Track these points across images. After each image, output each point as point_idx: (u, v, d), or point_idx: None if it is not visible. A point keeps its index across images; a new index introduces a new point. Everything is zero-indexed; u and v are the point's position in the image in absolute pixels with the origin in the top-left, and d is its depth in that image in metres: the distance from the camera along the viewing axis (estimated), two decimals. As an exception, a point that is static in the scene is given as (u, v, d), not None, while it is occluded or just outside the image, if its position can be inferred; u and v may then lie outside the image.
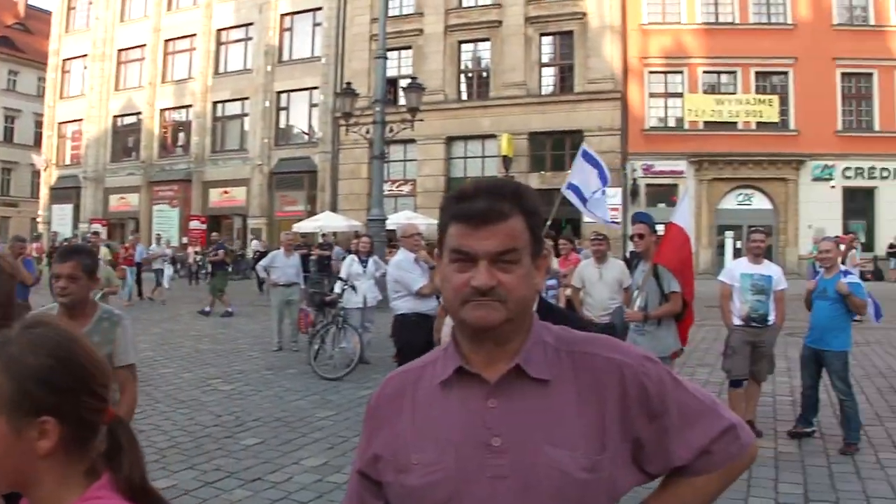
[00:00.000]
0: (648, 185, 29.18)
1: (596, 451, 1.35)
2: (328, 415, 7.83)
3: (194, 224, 34.22)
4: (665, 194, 28.60)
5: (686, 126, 29.37)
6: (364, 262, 10.94)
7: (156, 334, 13.95)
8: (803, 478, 5.86)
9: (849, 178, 28.72)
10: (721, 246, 29.04)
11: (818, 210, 27.66)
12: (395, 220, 27.62)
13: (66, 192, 40.71)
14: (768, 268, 7.14)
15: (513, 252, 1.35)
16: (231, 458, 6.25)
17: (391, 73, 28.76)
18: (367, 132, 19.46)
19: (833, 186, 28.63)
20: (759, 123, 29.03)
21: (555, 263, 8.72)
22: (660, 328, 6.18)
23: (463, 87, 31.57)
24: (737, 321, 7.03)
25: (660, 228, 6.84)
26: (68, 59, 41.93)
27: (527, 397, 1.37)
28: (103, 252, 16.70)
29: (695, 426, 1.42)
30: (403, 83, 31.49)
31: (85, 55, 40.42)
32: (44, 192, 42.61)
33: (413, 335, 7.05)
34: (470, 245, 1.34)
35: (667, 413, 1.40)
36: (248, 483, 5.60)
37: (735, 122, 29.12)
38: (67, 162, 41.95)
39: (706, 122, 29.13)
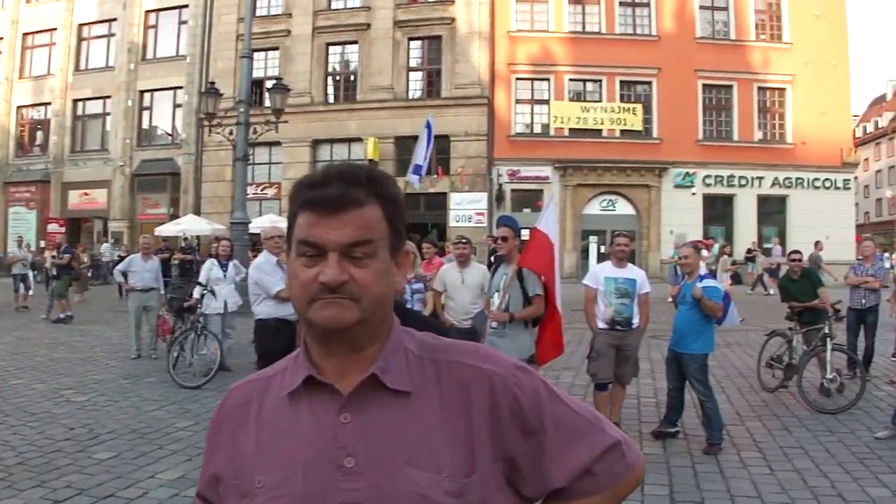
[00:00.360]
0: (514, 191, 29.37)
1: (463, 472, 1.20)
2: (187, 425, 7.46)
3: (52, 227, 32.50)
4: (530, 199, 28.81)
5: (552, 132, 29.73)
6: (224, 267, 10.70)
7: (7, 343, 13.20)
8: (668, 478, 5.89)
9: (709, 185, 29.70)
10: (585, 250, 29.50)
11: (680, 216, 28.40)
12: (258, 224, 26.88)
13: (-86, 193, 38.00)
14: (632, 271, 7.17)
15: (368, 244, 1.20)
16: (83, 473, 5.88)
17: (257, 74, 28.19)
18: (231, 133, 18.71)
19: (694, 193, 29.54)
20: (623, 131, 29.62)
21: (419, 267, 8.44)
22: (519, 330, 6.20)
23: (330, 89, 31.11)
24: (601, 325, 7.03)
25: (526, 234, 6.89)
26: (-82, 52, 39.22)
27: (385, 411, 1.22)
28: None
29: (575, 444, 1.28)
30: (269, 84, 30.92)
31: (-64, 49, 37.91)
32: None
33: (274, 341, 6.89)
34: (318, 235, 1.20)
35: (543, 429, 1.26)
36: (101, 500, 5.27)
37: (600, 130, 29.61)
38: (-83, 161, 39.22)
39: (571, 129, 29.58)
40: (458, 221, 28.31)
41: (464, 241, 8.02)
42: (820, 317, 8.93)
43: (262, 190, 29.86)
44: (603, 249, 27.26)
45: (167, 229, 27.41)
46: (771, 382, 9.28)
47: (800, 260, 9.72)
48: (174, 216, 30.45)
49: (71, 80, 34.46)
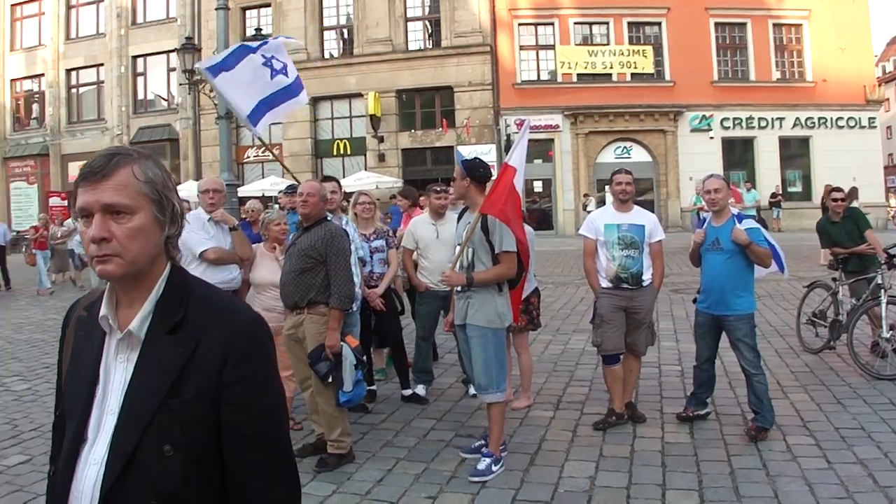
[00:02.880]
0: (523, 141, 28.11)
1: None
2: None
3: (55, 201, 31.68)
4: (541, 150, 27.75)
5: (559, 79, 28.58)
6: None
7: None
8: (698, 479, 4.68)
9: (727, 128, 28.57)
10: (603, 202, 28.24)
11: (698, 161, 27.21)
12: (259, 187, 26.07)
13: (-87, 173, 37.54)
14: (639, 215, 5.83)
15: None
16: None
17: (250, 31, 26.98)
18: (212, 91, 17.67)
19: (712, 137, 28.47)
20: (633, 75, 28.48)
21: (378, 221, 7.34)
22: (488, 295, 4.93)
23: (327, 44, 29.87)
24: (604, 283, 5.76)
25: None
26: None
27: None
28: None
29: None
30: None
31: (-73, 23, 37.11)
32: None
33: None
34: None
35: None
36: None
37: (610, 74, 28.46)
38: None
39: (580, 75, 28.46)
40: (465, 175, 27.17)
41: (443, 188, 6.86)
42: (869, 264, 7.67)
43: (263, 152, 28.92)
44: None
45: (167, 197, 26.62)
46: (814, 343, 8.11)
47: (843, 199, 8.22)
48: (175, 183, 29.61)
49: (62, 49, 33.56)
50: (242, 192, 24.96)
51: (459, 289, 5.02)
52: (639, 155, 28.56)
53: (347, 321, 6.20)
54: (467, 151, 26.79)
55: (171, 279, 1.53)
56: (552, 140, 28.04)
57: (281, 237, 6.02)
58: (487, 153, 27.29)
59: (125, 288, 1.50)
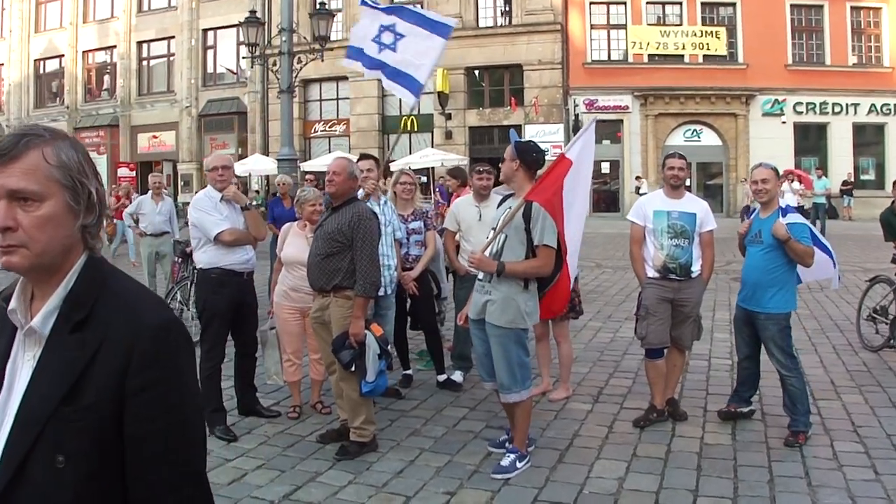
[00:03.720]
0: (592, 122, 27.88)
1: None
2: None
3: (123, 171, 32.30)
4: (610, 131, 27.51)
5: (630, 59, 28.23)
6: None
7: None
8: (733, 485, 4.41)
9: (800, 113, 28.00)
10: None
11: (769, 146, 26.57)
12: (324, 162, 26.19)
13: (-11, 141, 38.51)
14: (691, 202, 5.55)
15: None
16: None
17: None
18: (275, 65, 17.82)
19: (784, 122, 27.92)
20: (706, 56, 27.99)
21: (419, 201, 7.00)
22: (513, 290, 4.56)
23: (396, 20, 29.76)
24: (651, 272, 5.50)
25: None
26: (-15, -2, 39.52)
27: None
28: None
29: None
30: (335, 17, 29.91)
31: (2, -6, 38.09)
32: (-33, 142, 40.30)
33: (216, 297, 5.42)
34: None
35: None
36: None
37: (681, 55, 28.05)
38: (-10, 109, 39.74)
39: (651, 55, 28.09)
40: (533, 155, 27.06)
41: (486, 168, 6.54)
42: None
43: (330, 127, 29.16)
44: (689, 182, 25.69)
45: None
46: (874, 340, 7.72)
47: None
48: (242, 156, 29.92)
49: (134, 21, 34.08)
50: (308, 166, 25.26)
51: (481, 278, 4.72)
52: (708, 138, 28.15)
53: (382, 304, 6.03)
54: (535, 131, 26.65)
55: (84, 272, 1.40)
56: (621, 121, 27.76)
57: (314, 218, 5.65)
58: (555, 132, 27.15)
59: (35, 280, 1.39)
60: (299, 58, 17.19)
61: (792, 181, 22.33)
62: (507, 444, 4.83)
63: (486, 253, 4.65)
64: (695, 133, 28.18)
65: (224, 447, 5.05)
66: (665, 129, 27.93)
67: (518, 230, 4.55)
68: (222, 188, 5.49)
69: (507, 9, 28.49)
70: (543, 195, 4.56)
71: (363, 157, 6.38)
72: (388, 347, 5.06)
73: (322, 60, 17.32)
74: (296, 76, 17.07)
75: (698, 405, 5.89)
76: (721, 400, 5.83)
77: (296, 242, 5.72)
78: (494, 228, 4.74)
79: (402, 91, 7.04)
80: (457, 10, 28.08)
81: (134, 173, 31.66)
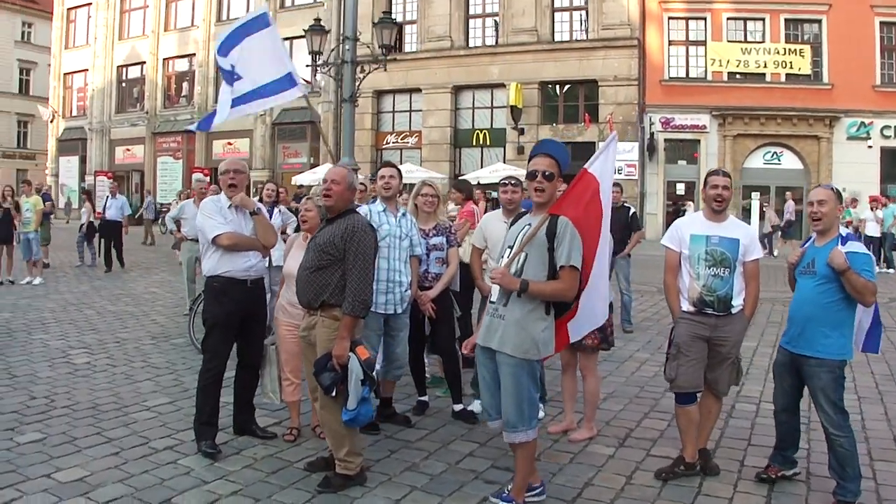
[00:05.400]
0: (667, 140, 27.52)
1: None
2: (158, 404, 6.23)
3: (197, 176, 32.98)
4: (687, 150, 26.94)
5: (709, 77, 27.39)
6: (269, 214, 9.44)
7: (77, 293, 13.10)
8: None
9: (888, 137, 26.70)
10: (747, 210, 26.87)
11: (854, 171, 25.62)
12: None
13: (72, 143, 40.55)
14: (734, 227, 4.83)
15: None
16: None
17: (397, 17, 27.21)
18: (337, 74, 17.89)
19: (870, 146, 26.68)
20: (788, 75, 26.94)
21: (443, 215, 6.54)
22: (533, 314, 4.05)
23: (471, 32, 29.72)
24: (685, 306, 4.80)
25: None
26: (73, 7, 41.27)
27: None
28: (33, 202, 14.82)
29: None
30: (409, 29, 30.00)
31: (90, 3, 39.64)
32: (51, 144, 42.18)
33: (218, 307, 5.18)
34: None
35: None
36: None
37: (763, 74, 27.03)
38: (74, 113, 41.35)
39: (731, 73, 27.20)
40: (606, 173, 26.64)
41: (513, 181, 6.04)
42: None
43: (402, 139, 29.19)
44: (765, 207, 24.83)
45: (304, 178, 27.13)
46: None
47: None
48: (314, 165, 30.22)
49: (213, 30, 34.65)
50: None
51: (494, 300, 4.19)
52: (789, 161, 27.14)
53: (394, 324, 5.67)
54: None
55: None
56: (698, 141, 27.04)
57: (311, 224, 5.28)
58: (630, 151, 26.67)
59: None
60: (362, 67, 17.20)
61: (875, 209, 21.41)
62: (503, 492, 4.31)
63: (509, 269, 4.14)
64: (775, 156, 27.21)
65: (205, 467, 4.76)
66: (744, 150, 27.04)
67: (541, 248, 4.04)
68: (233, 194, 5.28)
69: (584, 24, 28.11)
70: (572, 210, 4.04)
71: (385, 164, 6.03)
72: (373, 373, 4.62)
73: (385, 70, 17.27)
74: (358, 85, 17.05)
75: (735, 457, 5.17)
76: (763, 453, 5.06)
77: (295, 255, 5.34)
78: (511, 247, 4.21)
79: (282, 97, 7.05)
80: (532, 23, 27.92)
81: (207, 178, 32.20)
